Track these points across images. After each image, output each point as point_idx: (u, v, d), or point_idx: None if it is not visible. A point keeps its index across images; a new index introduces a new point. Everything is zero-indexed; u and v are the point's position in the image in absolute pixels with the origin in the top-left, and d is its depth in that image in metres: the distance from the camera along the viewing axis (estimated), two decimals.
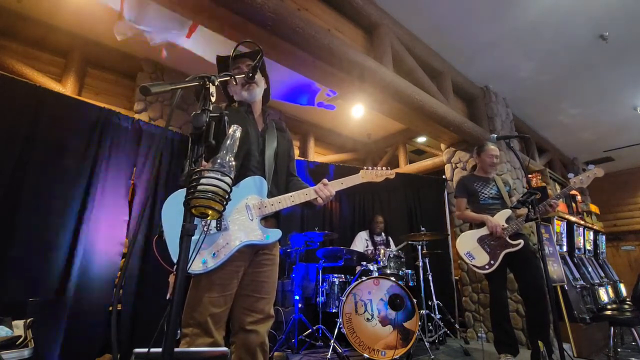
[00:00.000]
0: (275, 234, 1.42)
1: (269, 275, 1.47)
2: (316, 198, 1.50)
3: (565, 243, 4.15)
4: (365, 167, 1.72)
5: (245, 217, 1.38)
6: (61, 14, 3.19)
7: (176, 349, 0.73)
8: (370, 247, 3.74)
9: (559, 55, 3.89)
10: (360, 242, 3.81)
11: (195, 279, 1.34)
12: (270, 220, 1.48)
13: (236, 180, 1.42)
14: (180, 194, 1.33)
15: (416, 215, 4.49)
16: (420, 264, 3.52)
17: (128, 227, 2.63)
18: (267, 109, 1.68)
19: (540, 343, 2.32)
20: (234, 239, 1.33)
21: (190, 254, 0.81)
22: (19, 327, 1.71)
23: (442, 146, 4.70)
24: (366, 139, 6.23)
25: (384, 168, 1.74)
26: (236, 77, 1.14)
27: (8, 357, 1.53)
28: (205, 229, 1.27)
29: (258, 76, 1.56)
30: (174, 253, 1.27)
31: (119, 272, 2.53)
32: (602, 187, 7.32)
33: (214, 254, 1.30)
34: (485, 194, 2.79)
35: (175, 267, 0.98)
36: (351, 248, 3.76)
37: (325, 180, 1.54)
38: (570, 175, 2.45)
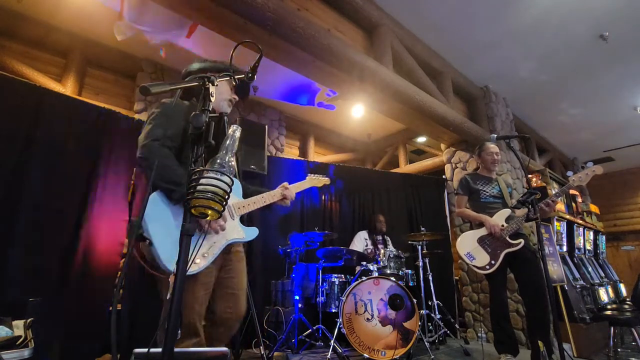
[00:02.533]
0: (254, 232, 1.53)
1: (239, 271, 1.54)
2: (283, 199, 1.67)
3: (565, 243, 4.15)
4: (311, 175, 1.97)
5: (229, 217, 1.44)
6: (61, 14, 3.19)
7: (176, 349, 0.73)
8: (371, 247, 3.74)
9: (559, 55, 3.89)
10: (360, 242, 3.81)
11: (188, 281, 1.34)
12: (244, 219, 1.60)
13: None
14: (160, 195, 1.30)
15: (416, 215, 4.49)
16: (420, 264, 3.51)
17: (128, 227, 2.63)
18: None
19: (540, 343, 2.32)
20: (220, 237, 1.38)
21: (190, 254, 0.80)
22: (19, 327, 1.71)
23: (442, 146, 4.70)
24: (366, 139, 6.23)
25: (323, 176, 2.02)
26: (236, 77, 1.14)
27: (8, 357, 1.53)
28: (204, 229, 1.28)
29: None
30: (166, 257, 1.22)
31: (119, 272, 2.53)
32: (602, 187, 7.33)
33: (204, 254, 1.32)
34: (487, 192, 2.79)
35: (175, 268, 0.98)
36: (350, 248, 3.77)
37: (285, 184, 1.71)
38: (569, 173, 2.45)
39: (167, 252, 1.22)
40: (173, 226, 1.28)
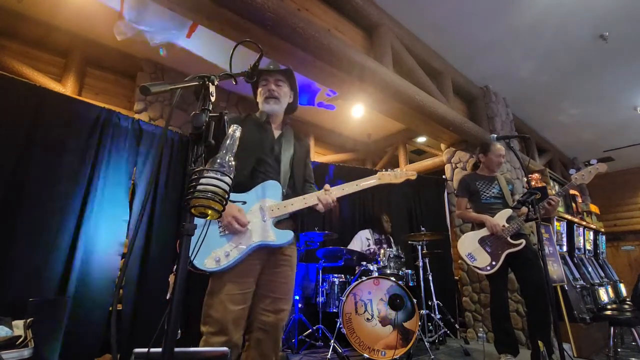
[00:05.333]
0: (285, 235, 1.45)
1: (285, 276, 1.51)
2: (317, 204, 1.53)
3: (565, 243, 4.14)
4: (384, 169, 1.73)
5: (259, 219, 1.43)
6: (61, 14, 3.19)
7: (176, 349, 0.73)
8: (373, 246, 3.72)
9: (559, 55, 3.89)
10: (359, 241, 3.80)
11: (213, 278, 1.39)
12: (286, 222, 1.53)
13: (250, 185, 1.49)
14: None
15: (416, 215, 4.49)
16: (420, 264, 3.51)
17: (128, 227, 2.63)
18: (288, 119, 1.77)
19: (540, 343, 2.32)
20: (246, 239, 1.38)
21: (192, 250, 0.81)
22: (19, 327, 1.71)
23: (442, 146, 4.70)
24: (366, 139, 6.23)
25: (404, 170, 1.75)
26: (235, 76, 1.14)
27: (8, 357, 1.53)
28: (205, 228, 1.29)
29: (283, 91, 1.66)
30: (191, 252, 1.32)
31: (119, 272, 2.53)
32: (602, 187, 7.33)
33: (227, 253, 1.34)
34: (488, 193, 2.78)
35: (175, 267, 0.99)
36: (349, 247, 3.76)
37: (327, 186, 1.56)
38: (572, 171, 2.43)
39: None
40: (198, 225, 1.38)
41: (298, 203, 1.49)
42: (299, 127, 5.40)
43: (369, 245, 3.73)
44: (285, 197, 1.51)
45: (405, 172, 1.74)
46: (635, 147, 6.28)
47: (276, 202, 1.47)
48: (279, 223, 1.49)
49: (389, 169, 1.73)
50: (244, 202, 1.42)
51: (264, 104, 1.64)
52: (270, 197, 1.47)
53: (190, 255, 1.32)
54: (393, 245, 3.84)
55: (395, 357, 2.57)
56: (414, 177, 1.76)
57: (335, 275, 3.32)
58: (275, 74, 1.65)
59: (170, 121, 1.02)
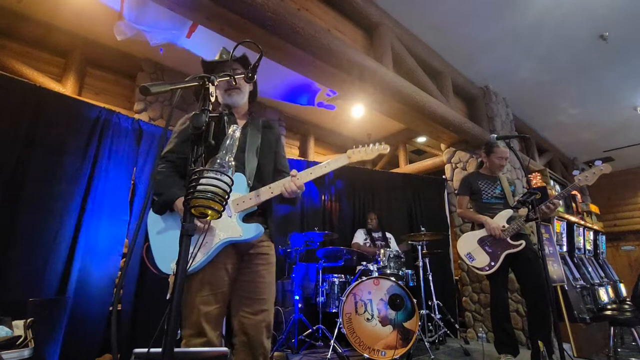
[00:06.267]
0: (253, 229, 1.35)
1: (263, 275, 1.43)
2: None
3: (565, 243, 4.15)
4: (354, 146, 1.59)
5: (225, 216, 1.35)
6: (61, 14, 3.19)
7: (176, 349, 0.73)
8: (369, 243, 3.77)
9: (559, 55, 3.89)
10: (360, 237, 3.85)
11: (186, 281, 1.35)
12: (257, 218, 1.45)
13: None
14: None
15: (416, 215, 4.49)
16: (420, 264, 3.51)
17: (128, 227, 2.63)
18: (252, 108, 1.70)
19: (540, 343, 2.32)
20: (212, 237, 1.32)
21: (191, 253, 0.81)
22: (19, 327, 1.71)
23: (442, 146, 4.70)
24: (366, 139, 6.23)
25: (377, 144, 1.62)
26: (235, 77, 1.14)
27: (8, 357, 1.54)
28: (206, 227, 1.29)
29: (242, 81, 1.55)
30: (158, 257, 1.35)
31: (119, 272, 2.53)
32: (602, 187, 7.32)
33: (193, 255, 1.30)
34: (489, 193, 2.78)
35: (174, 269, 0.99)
36: (354, 241, 3.82)
37: (294, 171, 1.46)
38: (576, 172, 2.42)
39: (159, 253, 1.36)
40: (163, 229, 1.41)
41: (264, 194, 1.40)
42: (299, 127, 5.41)
43: (365, 240, 3.81)
44: (253, 189, 1.42)
45: (377, 147, 1.61)
46: (635, 147, 6.28)
47: (241, 195, 1.38)
48: (248, 218, 1.40)
49: (360, 146, 1.59)
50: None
51: (224, 97, 1.56)
52: (234, 191, 1.36)
53: (154, 260, 1.35)
54: (391, 243, 3.85)
55: (395, 357, 2.57)
56: (386, 151, 1.64)
57: (335, 275, 3.32)
58: (231, 63, 1.55)
59: (170, 121, 1.01)
